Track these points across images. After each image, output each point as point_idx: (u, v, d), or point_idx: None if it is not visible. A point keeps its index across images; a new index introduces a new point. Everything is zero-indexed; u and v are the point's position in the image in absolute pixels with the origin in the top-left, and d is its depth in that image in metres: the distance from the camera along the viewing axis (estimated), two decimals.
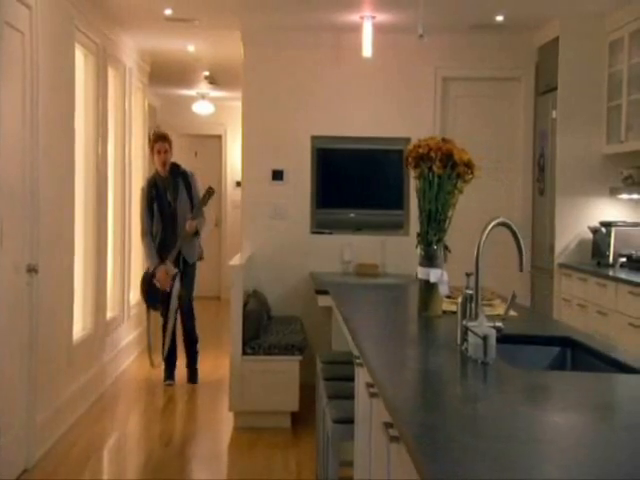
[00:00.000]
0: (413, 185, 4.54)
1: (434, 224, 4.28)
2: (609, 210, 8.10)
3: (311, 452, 6.25)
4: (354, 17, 8.07)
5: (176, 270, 8.19)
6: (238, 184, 12.70)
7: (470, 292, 3.39)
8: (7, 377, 5.45)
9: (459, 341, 3.40)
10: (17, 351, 5.65)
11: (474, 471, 1.99)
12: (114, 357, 8.71)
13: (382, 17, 8.07)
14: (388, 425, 2.60)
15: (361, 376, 3.65)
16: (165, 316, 8.32)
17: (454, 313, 3.89)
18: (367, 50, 8.07)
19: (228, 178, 15.33)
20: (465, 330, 3.26)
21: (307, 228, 8.88)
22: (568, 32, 8.10)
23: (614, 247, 7.66)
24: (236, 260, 7.74)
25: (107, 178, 8.42)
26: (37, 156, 5.92)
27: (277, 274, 8.69)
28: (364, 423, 3.61)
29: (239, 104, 9.12)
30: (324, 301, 6.80)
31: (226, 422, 7.23)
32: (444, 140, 4.23)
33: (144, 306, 8.69)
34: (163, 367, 8.40)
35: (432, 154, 4.17)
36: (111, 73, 8.76)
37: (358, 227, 8.89)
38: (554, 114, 8.29)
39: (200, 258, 8.56)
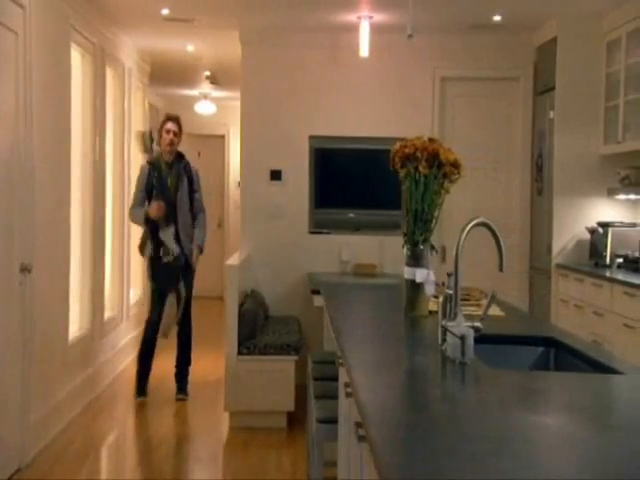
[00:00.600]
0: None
1: (420, 224, 4.27)
2: (606, 210, 8.08)
3: (306, 452, 6.25)
4: (351, 17, 8.07)
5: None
6: None
7: (450, 292, 3.38)
8: (0, 376, 5.46)
9: (440, 341, 3.39)
10: (10, 351, 5.66)
11: (435, 470, 1.99)
12: (112, 357, 8.72)
13: (380, 17, 8.06)
14: (358, 424, 2.61)
15: (342, 376, 3.65)
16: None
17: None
18: (364, 50, 8.06)
19: (231, 178, 15.34)
20: (444, 330, 3.25)
21: (305, 228, 8.87)
22: (566, 32, 8.09)
23: (611, 248, 7.65)
24: (233, 260, 7.75)
25: (105, 177, 8.43)
26: (31, 155, 5.93)
27: (275, 274, 8.70)
28: (345, 423, 3.62)
29: None
30: (319, 301, 6.80)
31: (222, 422, 7.24)
32: (430, 140, 4.23)
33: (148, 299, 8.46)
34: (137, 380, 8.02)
35: (418, 154, 4.16)
36: (109, 73, 8.77)
37: (356, 227, 8.89)
38: (552, 114, 8.28)
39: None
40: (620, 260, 7.54)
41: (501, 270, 3.52)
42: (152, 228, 7.82)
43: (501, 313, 4.52)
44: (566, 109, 8.12)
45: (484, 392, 2.89)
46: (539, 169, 8.63)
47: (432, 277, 4.27)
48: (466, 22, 8.30)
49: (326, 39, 8.72)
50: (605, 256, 7.67)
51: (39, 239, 6.15)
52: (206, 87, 13.37)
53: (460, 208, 8.90)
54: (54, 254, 6.67)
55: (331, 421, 4.14)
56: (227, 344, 7.13)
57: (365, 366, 3.15)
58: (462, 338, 3.12)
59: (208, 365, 9.04)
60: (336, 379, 4.35)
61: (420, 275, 4.26)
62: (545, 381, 3.10)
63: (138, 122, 10.39)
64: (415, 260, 4.32)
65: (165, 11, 7.97)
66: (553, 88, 8.22)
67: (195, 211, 7.98)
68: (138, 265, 10.36)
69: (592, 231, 7.95)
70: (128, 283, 9.63)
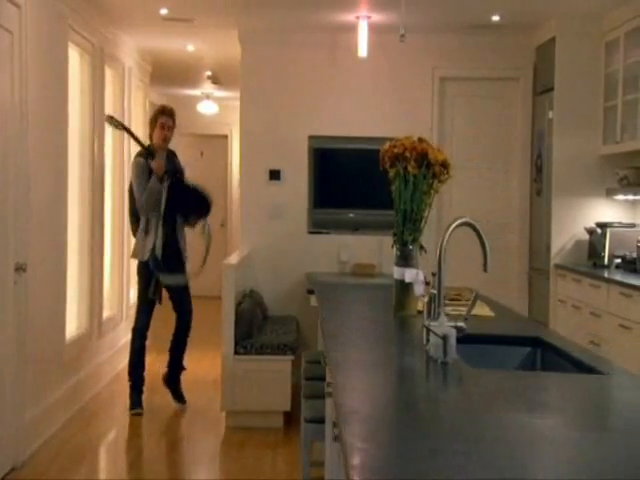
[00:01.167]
0: None
1: (409, 224, 4.28)
2: (605, 211, 8.07)
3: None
4: (350, 17, 8.07)
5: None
6: None
7: (434, 291, 3.37)
8: None
9: (424, 341, 3.38)
10: (5, 350, 5.66)
11: (400, 471, 1.98)
12: (111, 356, 8.72)
13: (379, 17, 8.06)
14: (335, 424, 2.61)
15: (327, 375, 3.66)
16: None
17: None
18: (362, 50, 8.06)
19: (234, 178, 15.32)
20: (427, 330, 3.25)
21: (304, 228, 8.88)
22: (564, 32, 8.08)
23: (609, 248, 7.63)
24: (231, 259, 7.75)
25: (104, 176, 8.43)
26: (26, 154, 5.94)
27: (274, 274, 8.70)
28: (328, 423, 3.62)
29: None
30: (315, 301, 6.80)
31: (218, 422, 7.24)
32: (419, 140, 4.22)
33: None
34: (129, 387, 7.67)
35: (407, 154, 4.16)
36: (109, 72, 8.78)
37: (355, 227, 8.88)
38: (551, 114, 8.27)
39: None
40: (618, 261, 7.54)
41: (485, 270, 3.50)
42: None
43: (491, 313, 4.51)
44: (565, 109, 8.11)
45: (463, 392, 2.89)
46: (538, 169, 8.62)
47: (421, 277, 4.26)
48: (465, 22, 8.29)
49: (325, 39, 8.72)
50: (603, 257, 7.66)
51: (34, 238, 6.15)
52: (208, 87, 13.39)
53: (459, 208, 8.90)
54: (50, 253, 6.68)
55: (319, 421, 4.14)
56: (224, 344, 7.12)
57: (346, 365, 3.14)
58: (444, 338, 3.12)
59: (205, 365, 9.04)
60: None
61: (409, 275, 4.26)
62: (525, 381, 3.10)
63: (139, 121, 10.39)
64: (404, 260, 4.32)
65: (164, 11, 7.98)
66: (552, 88, 8.21)
67: None
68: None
69: (591, 231, 7.93)
70: (128, 282, 9.63)
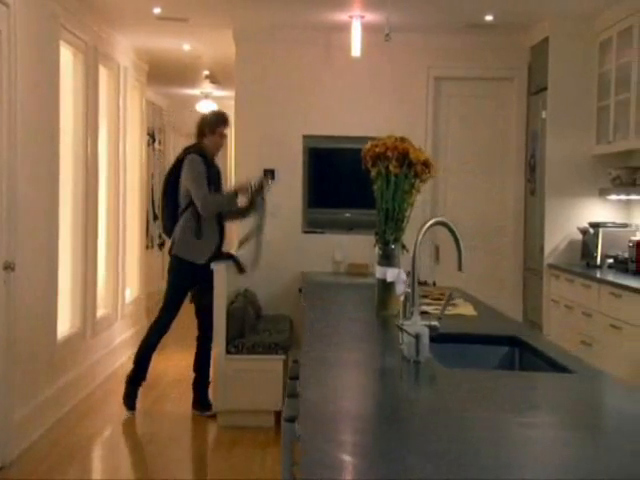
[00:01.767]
0: None
1: (391, 223, 4.27)
2: (598, 211, 8.06)
3: None
4: (343, 16, 8.07)
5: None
6: None
7: (408, 290, 3.37)
8: None
9: (400, 340, 3.38)
10: None
11: (343, 470, 1.99)
12: (105, 356, 8.71)
13: (372, 17, 8.05)
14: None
15: None
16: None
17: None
18: (356, 50, 8.06)
19: (234, 177, 15.30)
20: (400, 329, 3.25)
21: (299, 227, 8.88)
22: (558, 32, 8.07)
23: (602, 248, 7.62)
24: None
25: (98, 175, 8.42)
26: (15, 153, 5.93)
27: (269, 273, 8.67)
28: None
29: None
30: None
31: (210, 421, 7.24)
32: (401, 139, 4.21)
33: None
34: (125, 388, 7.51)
35: (389, 153, 4.16)
36: (104, 72, 8.78)
37: (350, 227, 8.87)
38: (544, 114, 8.26)
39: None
40: (611, 261, 7.53)
41: (460, 269, 3.49)
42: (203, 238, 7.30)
43: (474, 312, 4.51)
44: (558, 109, 8.10)
45: (433, 391, 2.89)
46: (532, 169, 8.61)
47: (403, 276, 4.26)
48: (459, 22, 8.28)
49: (320, 38, 8.72)
50: (596, 257, 7.65)
51: (24, 237, 6.15)
52: (207, 86, 13.40)
53: (453, 208, 8.92)
54: (41, 252, 6.68)
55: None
56: (215, 343, 7.12)
57: (317, 364, 3.14)
58: (417, 337, 3.11)
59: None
60: None
61: (391, 274, 4.25)
62: (496, 380, 3.10)
63: (135, 120, 10.40)
64: (386, 259, 4.32)
65: (157, 10, 7.98)
66: (546, 88, 8.20)
67: None
68: (134, 263, 10.39)
69: (584, 231, 7.92)
70: (124, 281, 9.64)
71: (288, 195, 8.78)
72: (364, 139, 8.65)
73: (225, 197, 7.39)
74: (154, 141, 14.14)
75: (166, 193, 7.48)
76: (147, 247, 13.02)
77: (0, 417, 5.81)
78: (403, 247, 4.35)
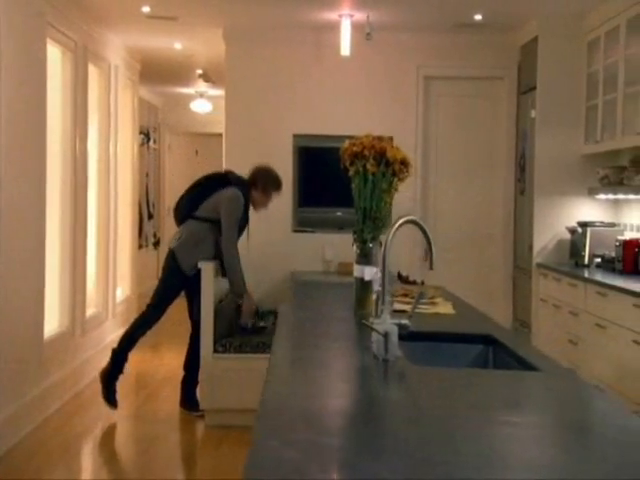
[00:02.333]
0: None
1: (369, 222, 4.27)
2: (587, 210, 8.07)
3: None
4: (333, 15, 8.07)
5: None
6: None
7: (379, 289, 3.38)
8: None
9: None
10: None
11: (289, 468, 1.99)
12: (95, 355, 8.71)
13: (362, 16, 8.04)
14: None
15: None
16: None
17: (395, 311, 3.89)
18: (345, 49, 8.07)
19: None
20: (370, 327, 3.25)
21: (289, 227, 8.89)
22: (546, 32, 8.08)
23: (589, 247, 7.62)
24: None
25: (87, 173, 8.41)
26: None
27: (259, 272, 8.66)
28: None
29: None
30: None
31: (197, 420, 7.24)
32: (378, 138, 4.21)
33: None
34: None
35: (366, 152, 4.16)
36: (94, 70, 8.78)
37: (340, 226, 8.87)
38: (533, 114, 8.27)
39: None
40: (598, 260, 7.53)
41: (431, 268, 3.49)
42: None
43: (452, 311, 4.51)
44: (547, 108, 8.11)
45: (399, 389, 2.89)
46: (521, 169, 8.62)
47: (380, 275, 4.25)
48: (448, 21, 8.29)
49: (310, 37, 8.73)
50: (584, 256, 7.66)
51: (9, 236, 6.15)
52: (202, 85, 13.40)
53: (443, 207, 8.92)
54: (27, 251, 6.67)
55: None
56: (203, 342, 7.12)
57: (284, 363, 3.15)
58: (385, 335, 3.12)
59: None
60: None
61: (369, 273, 4.25)
62: (461, 378, 3.10)
63: (127, 119, 10.41)
64: (365, 258, 4.32)
65: (146, 9, 7.98)
66: (535, 87, 8.20)
67: None
68: (126, 262, 10.39)
69: (572, 231, 7.93)
70: (114, 280, 9.64)
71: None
72: (354, 138, 8.78)
73: (239, 276, 7.25)
74: (149, 140, 14.16)
75: (196, 189, 7.37)
76: (141, 246, 13.05)
77: None
78: (381, 245, 4.34)
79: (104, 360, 8.90)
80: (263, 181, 7.34)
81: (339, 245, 8.69)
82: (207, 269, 7.13)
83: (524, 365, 3.29)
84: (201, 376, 7.19)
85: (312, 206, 8.96)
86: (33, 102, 6.79)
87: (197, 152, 15.40)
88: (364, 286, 4.33)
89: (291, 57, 8.80)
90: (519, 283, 8.74)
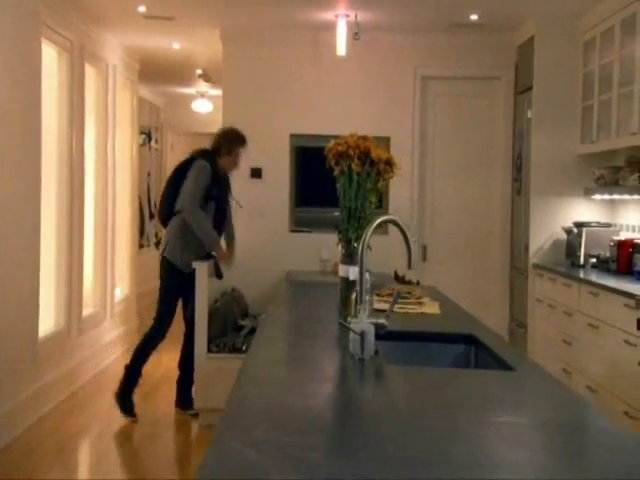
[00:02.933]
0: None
1: (354, 222, 4.28)
2: (584, 210, 8.06)
3: None
4: (329, 15, 8.07)
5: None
6: None
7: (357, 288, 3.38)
8: None
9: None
10: None
11: (243, 467, 1.99)
12: (93, 354, 8.73)
13: (360, 15, 8.02)
14: None
15: None
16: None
17: (379, 311, 3.90)
18: (341, 49, 8.07)
19: None
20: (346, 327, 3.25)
21: (286, 226, 8.89)
22: (543, 32, 8.07)
23: (585, 248, 7.61)
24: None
25: (84, 173, 8.42)
26: None
27: (255, 272, 8.67)
28: None
29: None
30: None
31: (193, 419, 7.25)
32: (363, 138, 4.21)
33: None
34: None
35: (350, 152, 4.16)
36: (92, 70, 8.79)
37: (337, 226, 8.83)
38: (529, 114, 8.26)
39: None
40: (594, 260, 7.52)
41: (410, 267, 3.50)
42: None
43: (438, 311, 4.51)
44: (543, 109, 8.10)
45: (371, 387, 2.89)
46: (518, 169, 8.61)
47: (366, 274, 4.24)
48: (444, 21, 8.28)
49: (307, 37, 8.73)
50: (579, 256, 7.65)
51: (3, 235, 6.17)
52: (202, 85, 13.41)
53: (442, 208, 8.92)
54: (22, 250, 6.68)
55: None
56: (196, 342, 7.12)
57: (258, 363, 3.15)
58: (361, 334, 3.12)
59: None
60: None
61: (353, 273, 4.25)
62: (438, 378, 3.10)
63: (126, 119, 10.42)
64: (349, 258, 4.33)
65: (142, 9, 7.99)
66: (531, 88, 8.19)
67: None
68: (125, 262, 10.40)
69: (568, 231, 7.92)
70: (112, 279, 9.65)
71: (275, 194, 8.81)
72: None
73: (208, 233, 7.13)
74: (150, 140, 14.16)
75: (170, 183, 7.38)
76: (142, 246, 13.06)
77: None
78: (368, 246, 4.33)
79: (101, 360, 8.97)
80: (226, 144, 7.26)
81: (336, 245, 8.67)
82: (201, 269, 7.14)
83: (501, 365, 3.29)
84: (196, 376, 7.20)
85: (309, 206, 8.96)
86: (28, 102, 6.80)
87: None
88: (349, 286, 4.32)
89: (288, 57, 8.80)
90: (516, 283, 8.73)
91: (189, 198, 7.03)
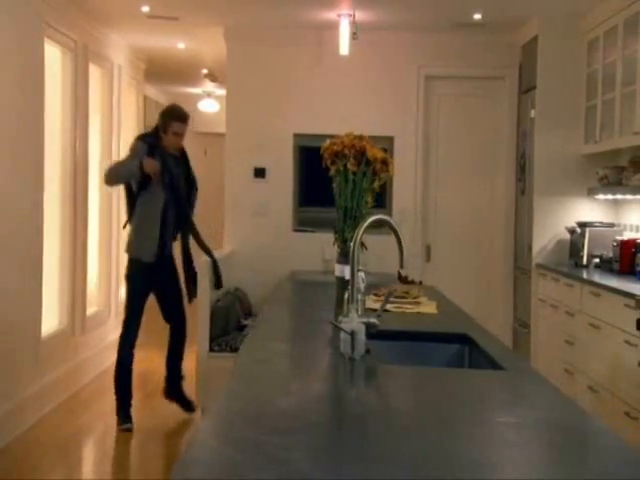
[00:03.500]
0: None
1: (350, 221, 4.27)
2: (587, 211, 8.04)
3: None
4: (332, 15, 8.06)
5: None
6: None
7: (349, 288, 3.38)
8: None
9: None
10: None
11: (228, 465, 1.99)
12: (97, 353, 8.73)
13: (362, 15, 8.03)
14: None
15: None
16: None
17: (373, 310, 3.90)
18: (344, 48, 8.06)
19: None
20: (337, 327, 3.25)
21: (289, 226, 8.90)
22: (546, 31, 8.05)
23: (588, 248, 7.60)
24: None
25: (88, 172, 8.43)
26: None
27: (259, 272, 8.68)
28: None
29: None
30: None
31: (193, 418, 7.26)
32: (359, 137, 4.21)
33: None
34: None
35: (346, 151, 4.16)
36: (96, 70, 8.81)
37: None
38: (533, 113, 8.24)
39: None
40: (597, 260, 7.50)
41: (401, 267, 3.49)
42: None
43: (434, 310, 4.51)
44: (546, 108, 8.08)
45: (360, 387, 2.89)
46: (522, 169, 8.60)
47: (362, 274, 4.24)
48: (448, 20, 8.27)
49: (311, 37, 8.73)
50: (582, 256, 7.63)
51: (3, 235, 6.18)
52: (208, 85, 13.43)
53: (445, 208, 8.91)
54: (24, 249, 6.69)
55: None
56: (198, 342, 7.13)
57: (248, 363, 3.15)
58: (352, 334, 3.12)
59: (185, 362, 9.03)
60: None
61: (349, 272, 4.24)
62: (428, 377, 3.09)
63: (131, 118, 10.43)
64: (345, 257, 4.31)
65: (145, 8, 7.99)
66: (535, 87, 8.18)
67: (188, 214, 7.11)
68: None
69: (571, 231, 7.90)
70: (117, 278, 9.65)
71: (278, 194, 8.81)
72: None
73: (123, 164, 6.86)
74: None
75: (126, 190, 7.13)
76: None
77: None
78: (363, 245, 4.33)
79: (105, 359, 8.96)
80: (161, 121, 6.91)
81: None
82: (203, 268, 7.15)
83: (494, 365, 3.29)
84: (196, 375, 7.20)
85: (312, 206, 8.96)
86: (31, 102, 6.81)
87: (206, 152, 15.40)
88: (344, 285, 4.31)
89: (292, 57, 8.80)
90: (519, 283, 8.72)
91: (116, 163, 7.10)
